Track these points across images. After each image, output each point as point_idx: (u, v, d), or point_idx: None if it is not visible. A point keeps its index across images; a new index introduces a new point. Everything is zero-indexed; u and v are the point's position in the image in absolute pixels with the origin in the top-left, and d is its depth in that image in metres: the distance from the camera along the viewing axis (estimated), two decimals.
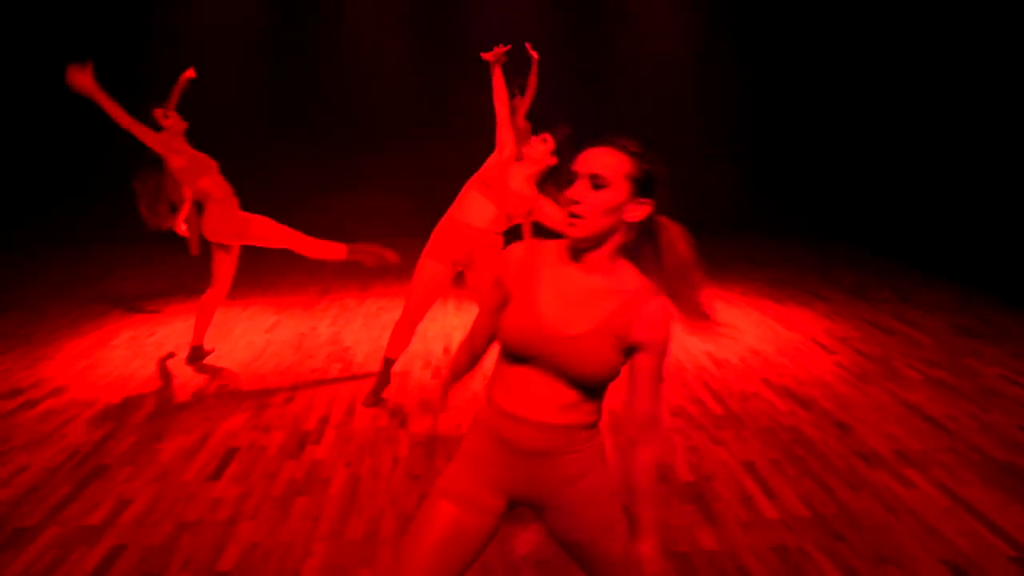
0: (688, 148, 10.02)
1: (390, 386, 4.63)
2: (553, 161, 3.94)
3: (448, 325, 6.04)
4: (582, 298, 1.79)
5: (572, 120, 3.96)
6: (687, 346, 5.35)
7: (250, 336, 5.82)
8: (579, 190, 1.75)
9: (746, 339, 5.59)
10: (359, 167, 10.09)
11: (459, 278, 4.45)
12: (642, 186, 1.77)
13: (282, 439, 4.04)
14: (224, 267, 5.07)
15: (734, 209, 9.99)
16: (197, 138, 5.08)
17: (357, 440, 4.02)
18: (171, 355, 5.38)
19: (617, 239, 1.79)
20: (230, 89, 9.61)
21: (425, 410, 4.34)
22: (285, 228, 4.97)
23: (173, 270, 8.01)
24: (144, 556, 3.01)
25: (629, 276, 1.82)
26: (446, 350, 5.44)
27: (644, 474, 1.83)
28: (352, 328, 6.02)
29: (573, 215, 1.75)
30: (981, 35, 8.23)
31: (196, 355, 5.24)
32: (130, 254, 8.86)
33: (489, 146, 4.10)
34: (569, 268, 1.83)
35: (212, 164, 5.02)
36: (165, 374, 5.05)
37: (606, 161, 1.75)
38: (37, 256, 8.95)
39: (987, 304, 6.39)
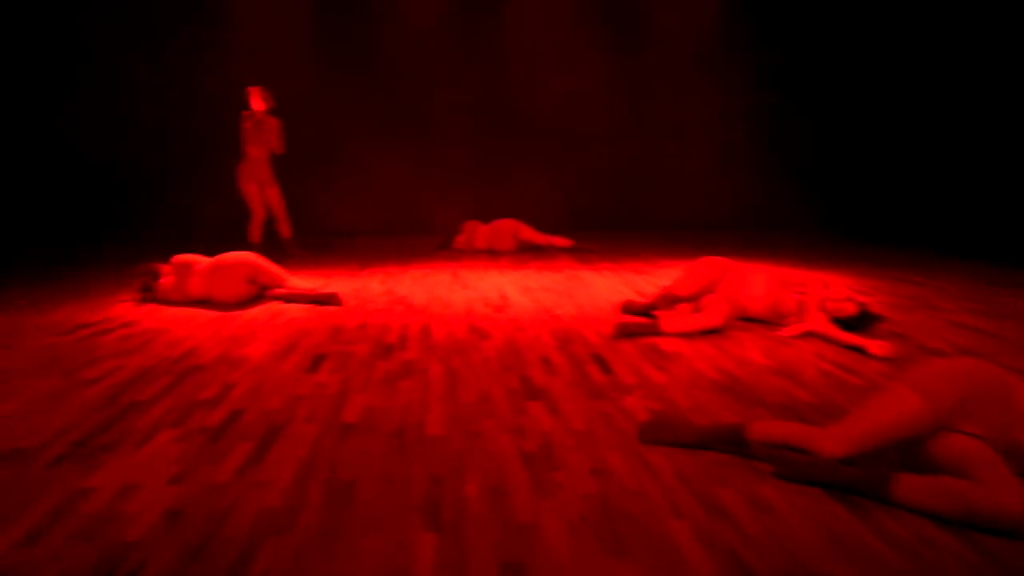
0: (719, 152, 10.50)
1: (460, 315, 4.82)
2: None
3: (496, 283, 6.22)
4: None
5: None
6: None
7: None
8: None
9: None
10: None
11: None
12: None
13: (368, 349, 4.15)
14: None
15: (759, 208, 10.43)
16: None
17: (441, 348, 4.14)
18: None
19: None
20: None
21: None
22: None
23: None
24: (265, 415, 3.09)
25: None
26: (501, 296, 5.62)
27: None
28: (403, 285, 6.16)
29: None
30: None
31: None
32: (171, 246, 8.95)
33: None
34: None
35: None
36: (229, 314, 5.13)
37: None
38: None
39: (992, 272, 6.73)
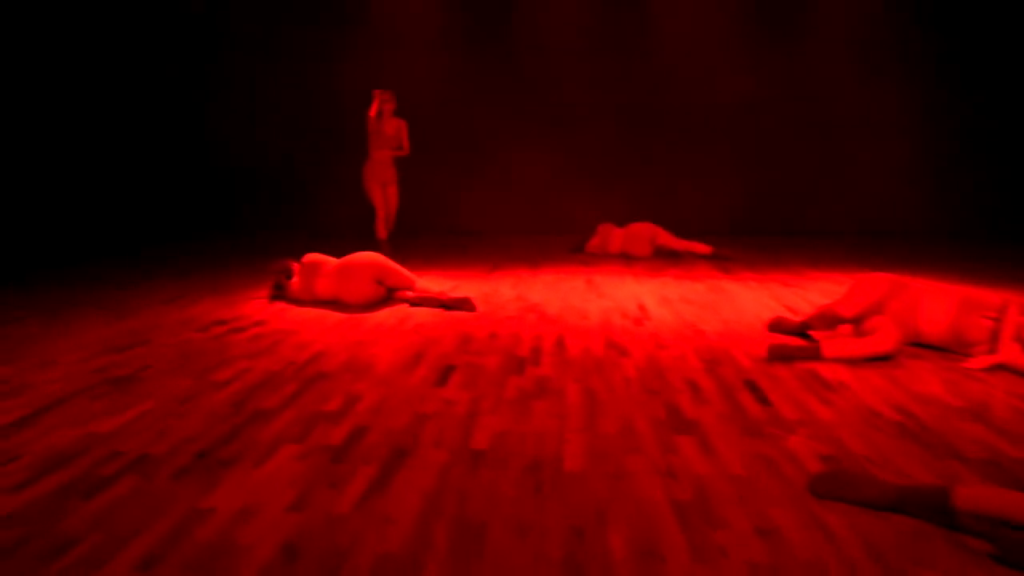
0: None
1: (596, 327, 4.52)
2: None
3: (633, 292, 5.85)
4: None
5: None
6: None
7: None
8: None
9: None
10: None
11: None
12: None
13: (499, 361, 3.90)
14: None
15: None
16: None
17: (578, 365, 3.84)
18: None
19: None
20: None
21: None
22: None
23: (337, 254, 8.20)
24: (390, 435, 2.90)
25: None
26: (640, 307, 5.25)
27: None
28: (535, 291, 5.90)
29: None
30: None
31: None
32: (302, 241, 9.14)
33: None
34: None
35: None
36: (356, 316, 5.04)
37: None
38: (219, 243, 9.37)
39: None
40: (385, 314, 5.07)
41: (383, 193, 7.61)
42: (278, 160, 10.25)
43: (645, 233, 7.84)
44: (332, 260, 5.44)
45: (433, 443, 2.81)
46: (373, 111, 7.32)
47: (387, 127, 7.43)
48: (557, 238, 9.59)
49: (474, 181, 10.13)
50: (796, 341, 4.32)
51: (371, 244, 8.75)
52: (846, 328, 4.29)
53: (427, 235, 9.97)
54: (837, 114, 9.76)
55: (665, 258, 7.84)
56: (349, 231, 9.99)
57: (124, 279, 6.59)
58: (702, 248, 7.79)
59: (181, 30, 10.09)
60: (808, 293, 5.79)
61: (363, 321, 4.87)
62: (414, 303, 5.31)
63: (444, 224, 10.14)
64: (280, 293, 5.54)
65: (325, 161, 10.18)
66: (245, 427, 2.98)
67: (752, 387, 3.49)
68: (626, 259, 7.77)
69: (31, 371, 3.83)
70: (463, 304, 5.14)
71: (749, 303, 5.42)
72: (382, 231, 7.69)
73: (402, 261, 7.51)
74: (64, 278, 6.66)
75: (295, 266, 5.58)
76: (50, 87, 8.69)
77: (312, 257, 5.48)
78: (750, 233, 9.96)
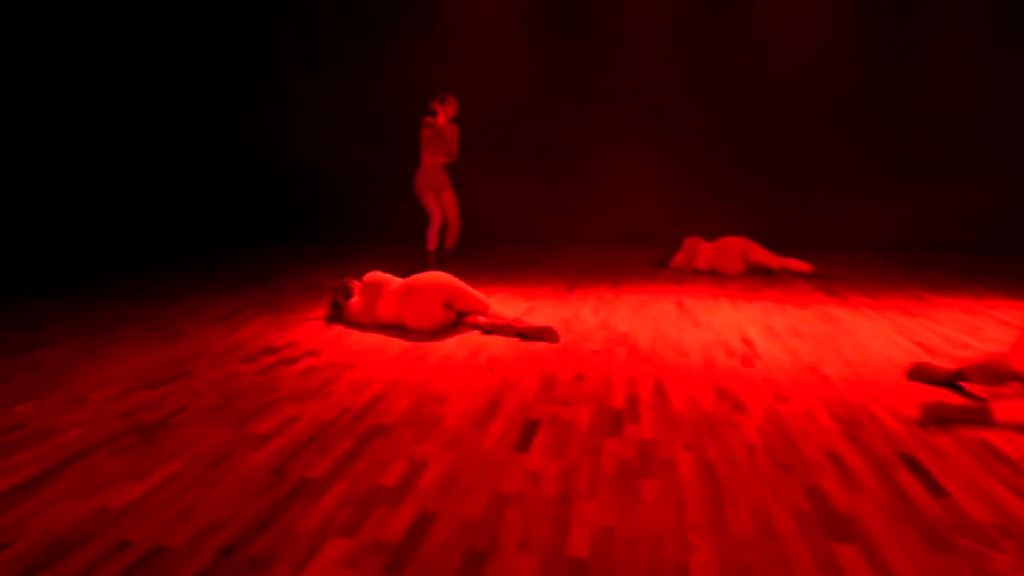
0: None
1: (698, 367, 3.83)
2: None
3: (733, 319, 5.13)
4: None
5: None
6: None
7: None
8: None
9: None
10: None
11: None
12: None
13: (590, 416, 3.26)
14: None
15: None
16: None
17: (686, 424, 3.17)
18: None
19: None
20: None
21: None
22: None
23: (399, 270, 7.67)
24: (462, 527, 2.29)
25: None
26: (745, 340, 4.53)
27: None
28: (620, 316, 5.23)
29: None
30: None
31: None
32: (363, 250, 8.69)
33: None
34: None
35: None
36: (421, 345, 4.46)
37: None
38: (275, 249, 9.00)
39: None
40: (454, 343, 4.49)
41: (438, 199, 7.11)
42: (342, 166, 9.81)
43: (737, 248, 7.08)
44: (396, 280, 4.90)
45: (518, 543, 2.19)
46: (441, 117, 6.79)
47: (446, 132, 6.95)
48: (636, 251, 8.88)
49: (548, 188, 9.47)
50: (951, 397, 3.56)
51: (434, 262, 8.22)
52: (1015, 383, 3.51)
53: (498, 246, 9.39)
54: (957, 112, 8.76)
55: (758, 276, 7.06)
56: (407, 243, 9.48)
57: (169, 293, 6.18)
58: (802, 266, 6.98)
59: (207, 33, 9.75)
60: (939, 325, 4.98)
61: (429, 352, 4.29)
62: (487, 330, 4.71)
63: (516, 234, 9.54)
64: (338, 314, 5.02)
65: (385, 168, 9.69)
66: (285, 506, 2.42)
67: (912, 464, 2.77)
68: (715, 277, 7.03)
69: (55, 411, 3.36)
70: (543, 334, 4.52)
71: (871, 338, 4.65)
72: (432, 241, 7.14)
73: (467, 275, 6.94)
74: (105, 291, 6.29)
75: (355, 285, 5.06)
76: (85, 91, 8.44)
77: (374, 276, 4.94)
78: (851, 247, 9.07)
